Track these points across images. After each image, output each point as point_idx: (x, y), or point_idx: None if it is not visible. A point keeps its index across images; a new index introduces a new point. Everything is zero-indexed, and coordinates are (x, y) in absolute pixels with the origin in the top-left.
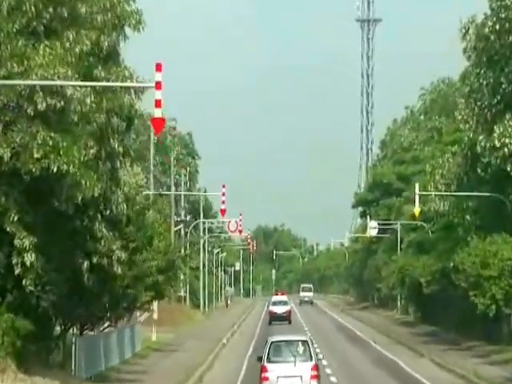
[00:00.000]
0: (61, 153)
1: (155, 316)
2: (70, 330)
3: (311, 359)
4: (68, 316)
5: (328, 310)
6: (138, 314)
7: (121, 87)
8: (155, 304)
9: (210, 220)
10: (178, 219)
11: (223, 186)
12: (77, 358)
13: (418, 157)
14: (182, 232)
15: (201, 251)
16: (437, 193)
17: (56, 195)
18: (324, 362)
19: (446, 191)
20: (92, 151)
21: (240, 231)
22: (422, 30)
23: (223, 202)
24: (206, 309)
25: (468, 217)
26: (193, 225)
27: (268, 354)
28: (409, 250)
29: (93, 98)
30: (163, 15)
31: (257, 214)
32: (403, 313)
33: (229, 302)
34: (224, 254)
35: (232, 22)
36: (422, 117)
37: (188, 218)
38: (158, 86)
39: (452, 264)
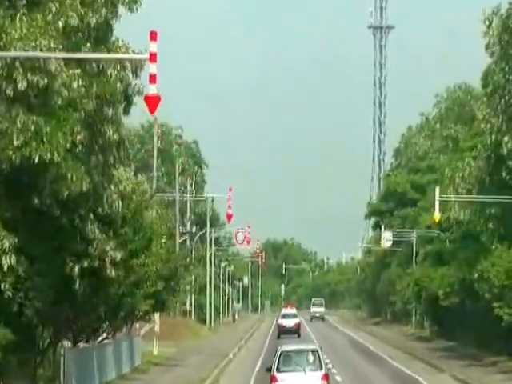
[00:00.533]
0: (44, 139)
1: (157, 328)
2: (65, 343)
3: (321, 368)
4: (57, 326)
5: (340, 326)
6: (138, 326)
7: (114, 65)
8: (157, 316)
9: (216, 228)
10: (184, 230)
11: (229, 190)
12: (66, 371)
13: (434, 165)
14: (188, 243)
15: (207, 263)
16: (458, 199)
17: (39, 189)
18: (338, 378)
19: (467, 195)
20: (79, 137)
21: (248, 242)
22: (429, 32)
23: (229, 207)
24: (213, 324)
25: (491, 224)
26: (199, 234)
27: (278, 364)
28: (425, 262)
29: (81, 82)
30: (163, 15)
31: (265, 227)
32: (418, 327)
33: (236, 316)
34: (231, 267)
35: (232, 21)
36: (437, 125)
37: (194, 229)
38: (153, 57)
39: (476, 274)
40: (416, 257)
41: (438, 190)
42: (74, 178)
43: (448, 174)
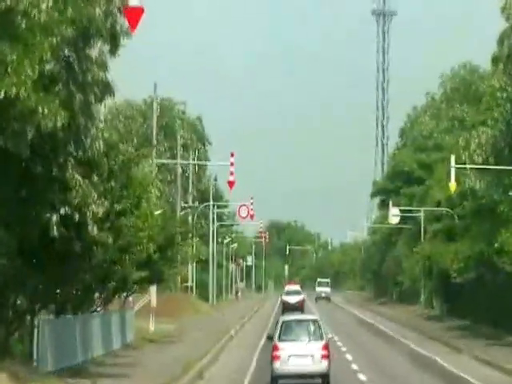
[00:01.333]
0: (9, 70)
1: (153, 303)
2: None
3: (322, 338)
4: (34, 293)
5: (346, 306)
6: (132, 299)
7: None
8: (153, 289)
9: (219, 203)
10: (186, 205)
11: (231, 155)
12: (40, 346)
13: (441, 144)
14: (190, 218)
15: (210, 239)
16: (474, 167)
17: (2, 128)
18: (349, 358)
19: (483, 164)
20: (49, 67)
21: (251, 216)
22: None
23: (232, 174)
24: (215, 301)
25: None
26: (202, 206)
27: (280, 333)
28: (434, 239)
29: (51, 3)
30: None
31: (269, 208)
32: (427, 306)
33: (239, 295)
34: (235, 244)
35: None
36: (443, 105)
37: (196, 204)
38: None
39: (496, 245)
40: (424, 234)
41: (453, 158)
42: (46, 112)
43: (462, 143)
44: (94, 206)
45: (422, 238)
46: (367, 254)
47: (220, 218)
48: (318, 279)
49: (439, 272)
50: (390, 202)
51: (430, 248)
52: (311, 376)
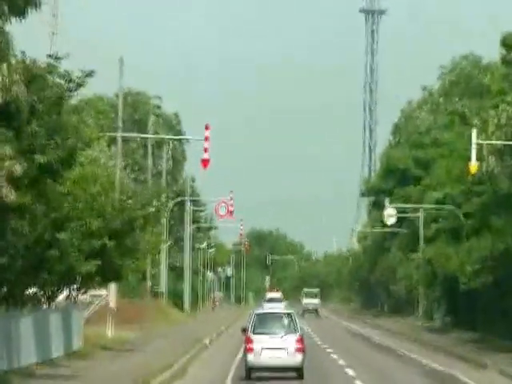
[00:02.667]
0: None
1: (112, 304)
2: None
3: (296, 331)
4: None
5: (334, 317)
6: (85, 297)
7: None
8: (112, 287)
9: (195, 198)
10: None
11: (206, 128)
12: None
13: (439, 139)
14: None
15: (185, 240)
16: (500, 142)
17: None
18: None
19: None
20: None
21: (231, 212)
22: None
23: (206, 150)
24: (189, 310)
25: None
26: (175, 201)
27: (253, 326)
28: (436, 240)
29: None
30: None
31: (250, 216)
32: (425, 318)
33: (217, 303)
34: (213, 249)
35: None
36: (441, 99)
37: (171, 203)
38: None
39: None
40: (423, 238)
41: (475, 133)
42: None
43: (477, 123)
44: (8, 164)
45: (422, 241)
46: (356, 262)
47: (197, 221)
48: (305, 289)
49: (444, 278)
50: (387, 201)
51: (434, 250)
52: (285, 369)
